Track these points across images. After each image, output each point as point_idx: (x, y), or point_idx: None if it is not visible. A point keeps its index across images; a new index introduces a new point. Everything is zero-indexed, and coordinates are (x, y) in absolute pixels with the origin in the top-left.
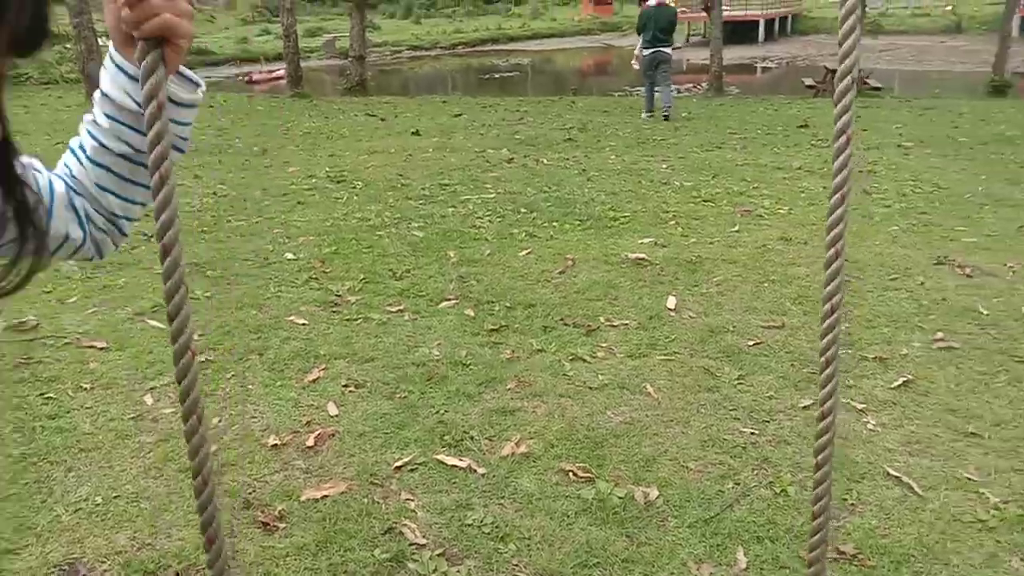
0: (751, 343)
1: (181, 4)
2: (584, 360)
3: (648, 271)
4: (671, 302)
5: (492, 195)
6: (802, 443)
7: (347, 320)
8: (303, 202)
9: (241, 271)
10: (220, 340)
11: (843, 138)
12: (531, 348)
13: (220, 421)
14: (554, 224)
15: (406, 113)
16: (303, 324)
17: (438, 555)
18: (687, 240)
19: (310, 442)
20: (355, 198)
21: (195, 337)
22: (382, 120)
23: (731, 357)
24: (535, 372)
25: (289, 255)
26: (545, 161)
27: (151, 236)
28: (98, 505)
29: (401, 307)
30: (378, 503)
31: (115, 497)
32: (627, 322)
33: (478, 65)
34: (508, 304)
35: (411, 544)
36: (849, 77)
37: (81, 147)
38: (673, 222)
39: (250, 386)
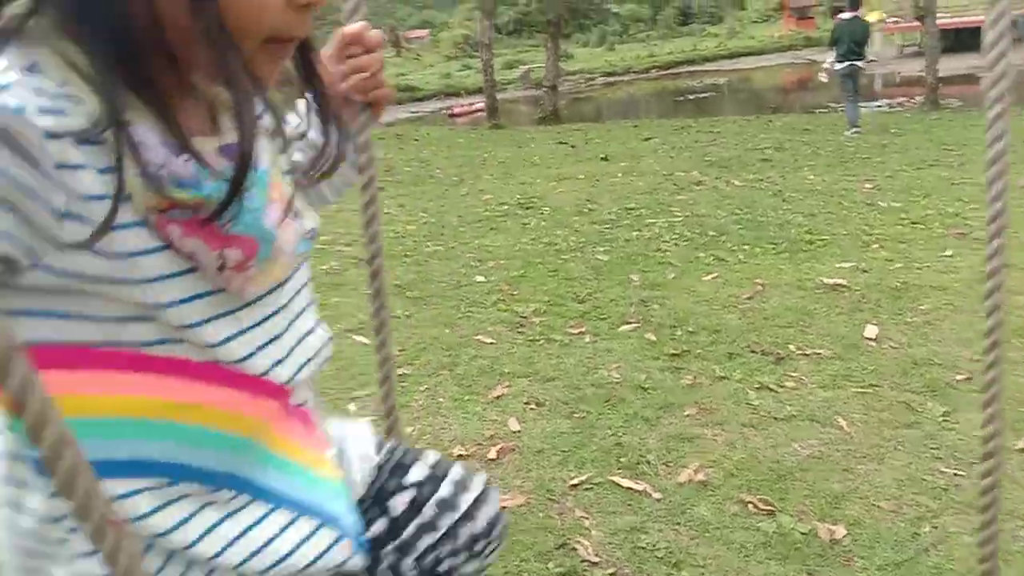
0: (960, 378)
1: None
2: (770, 389)
3: (846, 297)
4: (871, 331)
5: (679, 218)
6: (1015, 488)
7: (530, 340)
8: (495, 228)
9: (436, 292)
10: (416, 356)
11: None
12: (713, 375)
13: (413, 430)
14: (744, 248)
15: (596, 139)
16: (490, 343)
17: (610, 574)
18: (892, 265)
19: (492, 454)
20: (543, 223)
21: (395, 352)
22: (572, 147)
23: (936, 392)
24: (717, 399)
25: (480, 278)
26: (737, 183)
27: (360, 260)
28: None
29: (582, 329)
30: (553, 518)
31: None
32: (820, 351)
33: (672, 88)
34: (691, 329)
35: (584, 561)
36: None
37: None
38: (876, 245)
39: (440, 399)
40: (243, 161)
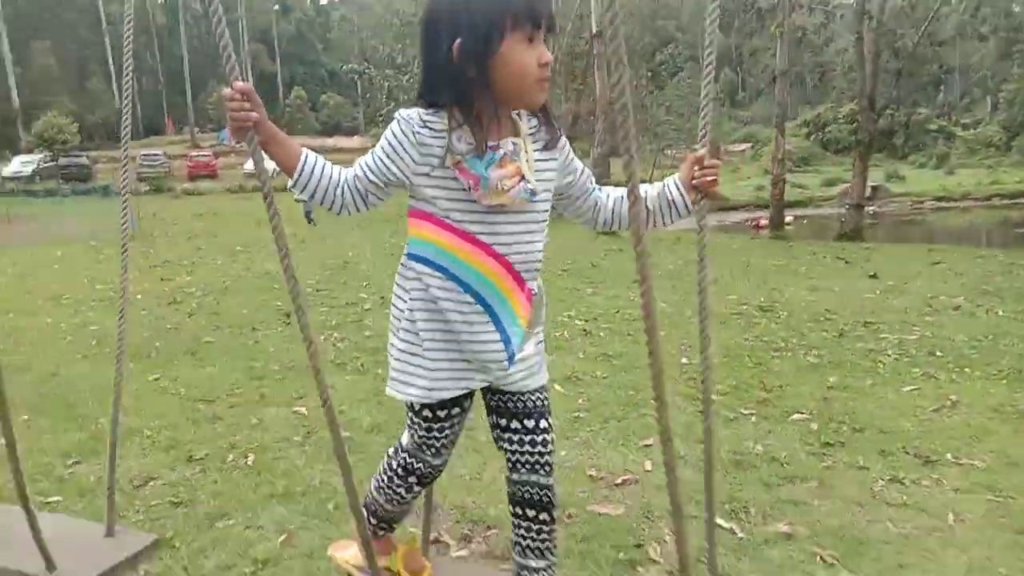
0: None
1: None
2: (902, 483)
3: None
4: None
5: (914, 337)
6: None
7: (700, 412)
8: (723, 323)
9: (642, 365)
10: (599, 407)
11: None
12: (856, 464)
13: (566, 453)
14: (964, 370)
15: (879, 258)
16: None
17: (666, 571)
18: None
19: (618, 481)
20: (772, 325)
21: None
22: (846, 263)
23: None
24: (844, 482)
25: (683, 359)
26: (1000, 312)
27: (584, 330)
28: None
29: (753, 411)
30: (644, 529)
31: None
32: (976, 463)
33: (1015, 218)
34: (858, 427)
35: (649, 559)
36: None
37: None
38: None
39: (602, 440)
40: (479, 148)
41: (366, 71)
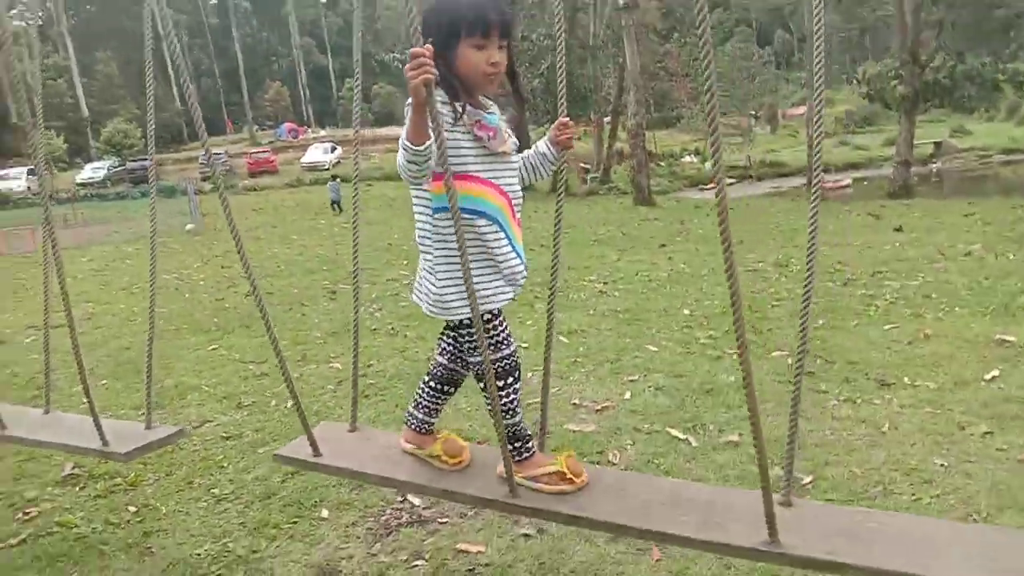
0: None
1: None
2: (852, 402)
3: (1003, 350)
4: (992, 374)
5: (916, 283)
6: None
7: (689, 352)
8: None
9: (645, 315)
10: (616, 356)
11: None
12: (817, 389)
13: (558, 390)
14: (955, 310)
15: (914, 214)
16: (655, 350)
17: (622, 468)
18: None
19: (599, 408)
20: (782, 279)
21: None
22: (877, 219)
23: (1000, 422)
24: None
25: (685, 311)
26: (1012, 256)
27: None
28: None
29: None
30: (609, 441)
31: None
32: (930, 383)
33: None
34: (831, 359)
35: (609, 463)
36: None
37: None
38: None
39: (592, 378)
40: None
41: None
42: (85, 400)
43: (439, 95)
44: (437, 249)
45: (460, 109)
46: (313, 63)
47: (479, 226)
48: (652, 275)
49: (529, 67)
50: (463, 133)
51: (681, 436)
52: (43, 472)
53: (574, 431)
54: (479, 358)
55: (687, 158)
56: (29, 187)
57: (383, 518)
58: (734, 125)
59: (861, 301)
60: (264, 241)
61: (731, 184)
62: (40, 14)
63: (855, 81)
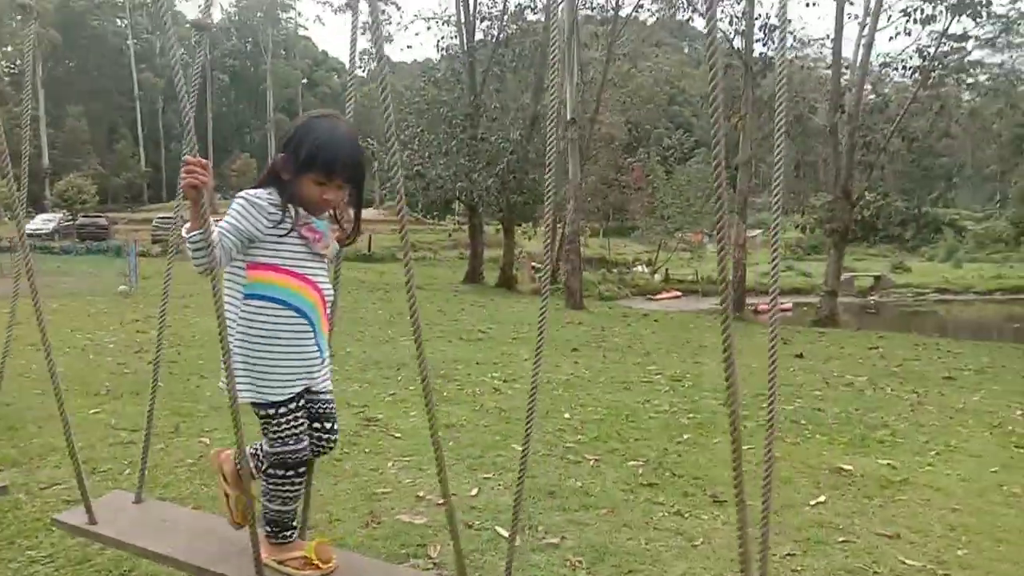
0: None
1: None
2: (680, 515)
3: (842, 479)
4: (819, 499)
5: (791, 408)
6: None
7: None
8: (629, 388)
9: None
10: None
11: None
12: (653, 499)
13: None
14: (815, 437)
15: (822, 342)
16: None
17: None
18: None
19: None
20: (671, 393)
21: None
22: (784, 343)
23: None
24: (622, 511)
25: (567, 415)
26: (890, 390)
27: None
28: None
29: (600, 458)
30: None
31: None
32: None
33: (1013, 314)
34: (678, 473)
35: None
36: None
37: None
38: (931, 452)
39: None
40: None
41: (376, 148)
42: None
43: (270, 196)
44: (238, 333)
45: (293, 212)
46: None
47: (287, 317)
48: (552, 377)
49: (486, 167)
50: (289, 233)
51: (506, 534)
52: None
53: (405, 522)
54: (267, 446)
55: (638, 268)
56: None
57: None
58: (687, 241)
59: (710, 420)
60: (191, 310)
61: (678, 296)
62: (16, 62)
63: (802, 212)
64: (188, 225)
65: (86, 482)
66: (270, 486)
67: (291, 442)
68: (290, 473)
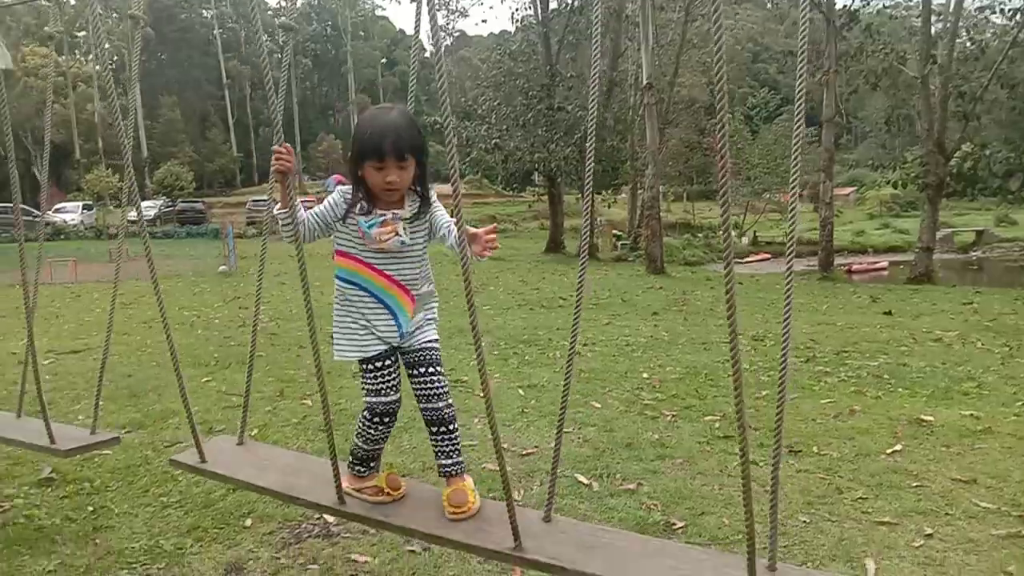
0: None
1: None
2: (755, 463)
3: (921, 432)
4: (897, 447)
5: (875, 364)
6: None
7: (632, 413)
8: (709, 349)
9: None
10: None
11: None
12: (729, 451)
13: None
14: (899, 390)
15: (914, 299)
16: (599, 408)
17: None
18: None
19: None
20: (752, 352)
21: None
22: (873, 301)
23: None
24: (696, 457)
25: (645, 375)
26: (980, 344)
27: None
28: None
29: (675, 415)
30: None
31: None
32: (832, 452)
33: None
34: (755, 427)
35: None
36: None
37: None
38: (1018, 403)
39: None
40: (365, 212)
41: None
42: (69, 411)
43: (346, 192)
44: (336, 306)
45: (363, 203)
46: None
47: (359, 295)
48: (631, 340)
49: (564, 136)
50: (352, 226)
51: (585, 481)
52: (25, 474)
53: (490, 470)
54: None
55: None
56: (82, 220)
57: (297, 530)
58: (776, 202)
59: (814, 377)
60: (287, 287)
61: (767, 259)
62: (115, 58)
63: (893, 168)
64: (279, 205)
65: (199, 434)
66: (359, 426)
67: (373, 395)
68: (374, 419)
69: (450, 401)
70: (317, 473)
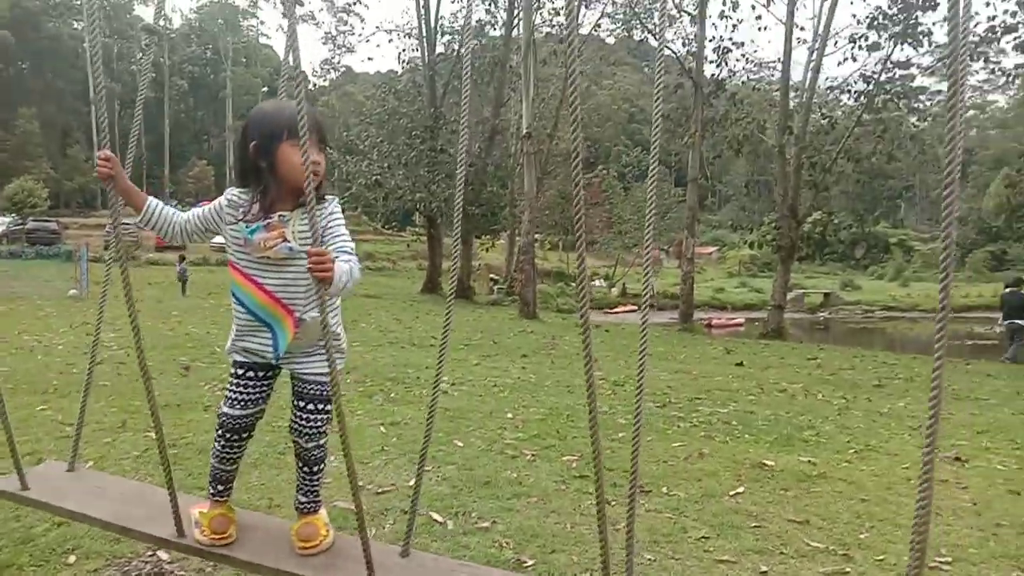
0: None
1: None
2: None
3: (762, 472)
4: (738, 490)
5: (725, 411)
6: None
7: (494, 453)
8: (572, 391)
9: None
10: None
11: None
12: (583, 490)
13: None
14: (743, 437)
15: (764, 353)
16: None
17: None
18: (841, 461)
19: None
20: (611, 396)
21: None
22: (727, 353)
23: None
24: (552, 498)
25: (509, 414)
26: (820, 397)
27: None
28: None
29: (537, 454)
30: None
31: None
32: (680, 493)
33: (954, 331)
34: (610, 467)
35: None
36: None
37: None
38: (851, 451)
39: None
40: (247, 217)
41: (336, 157)
42: None
43: (233, 195)
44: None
45: (256, 206)
46: None
47: (234, 304)
48: (499, 381)
49: (445, 178)
50: (235, 235)
51: (440, 520)
52: None
53: (343, 508)
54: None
55: (595, 282)
56: None
57: (126, 568)
58: (641, 255)
59: (668, 421)
60: (142, 315)
61: (633, 310)
62: None
63: (751, 230)
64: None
65: (24, 464)
66: (213, 441)
67: (227, 403)
68: (221, 431)
69: (322, 442)
70: (155, 503)
